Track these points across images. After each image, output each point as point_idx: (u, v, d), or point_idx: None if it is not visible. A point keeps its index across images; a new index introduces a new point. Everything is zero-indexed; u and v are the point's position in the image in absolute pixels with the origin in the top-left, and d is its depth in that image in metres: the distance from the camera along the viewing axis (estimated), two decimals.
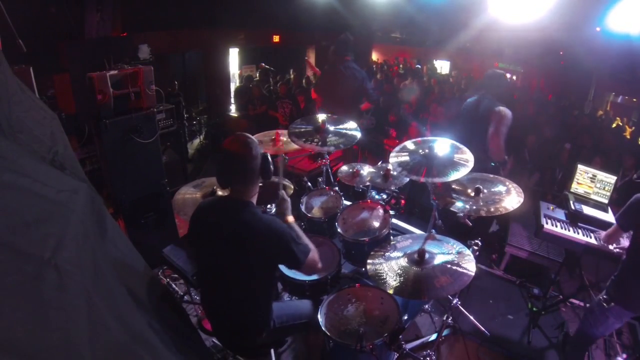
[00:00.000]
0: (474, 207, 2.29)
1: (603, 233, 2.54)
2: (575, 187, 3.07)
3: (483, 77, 3.39)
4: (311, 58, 9.82)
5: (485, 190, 2.39)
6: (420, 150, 2.36)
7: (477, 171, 2.48)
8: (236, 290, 1.74)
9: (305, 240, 1.78)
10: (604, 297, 2.19)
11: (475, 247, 2.11)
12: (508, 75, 10.90)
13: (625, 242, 2.34)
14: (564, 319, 2.99)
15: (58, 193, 1.27)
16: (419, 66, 11.97)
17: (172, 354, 1.52)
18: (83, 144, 3.71)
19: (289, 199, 1.96)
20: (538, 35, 7.00)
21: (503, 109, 3.02)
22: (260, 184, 1.79)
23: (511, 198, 2.29)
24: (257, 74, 8.20)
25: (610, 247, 2.46)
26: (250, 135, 1.70)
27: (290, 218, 1.91)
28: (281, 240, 1.64)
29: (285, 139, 2.91)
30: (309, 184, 2.98)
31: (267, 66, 7.72)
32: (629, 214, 2.12)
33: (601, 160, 4.31)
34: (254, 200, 1.74)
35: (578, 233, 2.71)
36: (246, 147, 1.64)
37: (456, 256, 1.92)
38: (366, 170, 3.01)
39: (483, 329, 2.81)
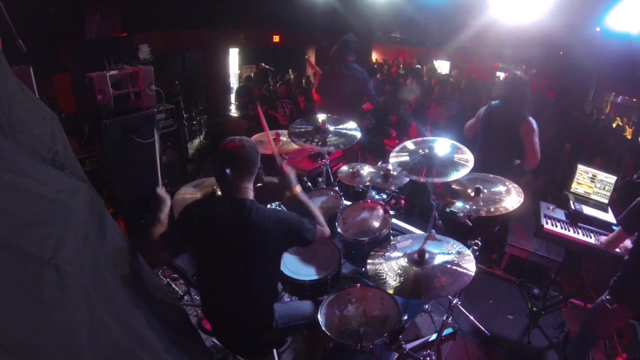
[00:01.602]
0: (474, 207, 2.29)
1: (603, 238, 2.52)
2: (575, 187, 3.07)
3: (504, 79, 3.34)
4: (311, 58, 9.82)
5: (485, 190, 2.39)
6: (420, 150, 2.36)
7: (500, 174, 2.50)
8: (238, 291, 1.74)
9: (315, 213, 1.89)
10: (607, 297, 2.18)
11: (475, 247, 2.11)
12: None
13: (627, 242, 2.33)
14: (564, 319, 2.99)
15: (58, 193, 1.26)
16: (419, 66, 11.98)
17: (171, 355, 1.52)
18: (83, 144, 3.72)
19: (289, 175, 1.98)
20: (538, 35, 7.00)
21: (532, 119, 2.96)
22: (260, 185, 1.79)
23: (511, 198, 2.29)
24: (253, 74, 8.18)
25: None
26: (245, 137, 1.74)
27: (297, 188, 1.96)
28: (292, 228, 1.72)
29: (285, 139, 2.91)
30: (309, 184, 2.98)
31: (267, 66, 7.71)
32: (634, 216, 2.10)
33: (601, 160, 4.31)
34: (252, 197, 1.75)
35: (578, 233, 2.71)
36: (244, 146, 1.67)
37: (456, 256, 1.92)
38: (366, 170, 3.01)
39: (483, 329, 2.81)
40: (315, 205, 2.77)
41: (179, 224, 1.77)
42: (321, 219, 1.89)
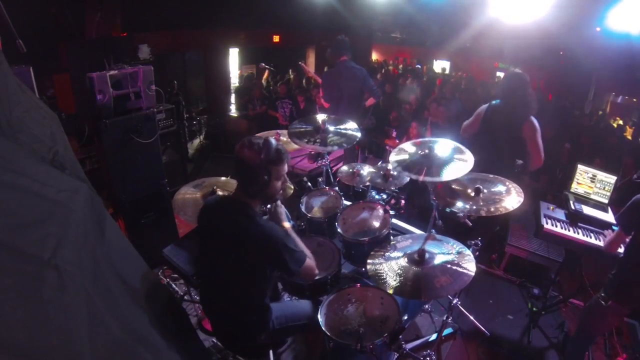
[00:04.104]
0: (474, 207, 2.29)
1: (607, 238, 2.50)
2: (575, 187, 3.07)
3: (504, 78, 3.29)
4: (311, 58, 9.82)
5: (485, 190, 2.39)
6: (420, 151, 2.36)
7: (500, 174, 2.49)
8: (233, 290, 1.75)
9: (302, 247, 1.78)
10: (602, 295, 2.20)
11: (475, 247, 2.11)
12: None
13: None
14: (564, 319, 3.00)
15: (58, 193, 1.27)
16: (419, 66, 11.98)
17: (171, 353, 1.52)
18: (83, 144, 3.71)
19: (282, 207, 1.94)
20: (538, 35, 7.00)
21: (534, 119, 2.92)
22: None
23: (511, 198, 2.29)
24: (255, 75, 8.19)
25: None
26: (259, 145, 1.60)
27: (286, 224, 1.89)
28: (275, 249, 1.62)
29: (285, 139, 2.91)
30: (309, 184, 2.98)
31: (267, 66, 7.70)
32: (629, 216, 2.12)
33: (601, 161, 4.31)
34: (256, 202, 1.73)
35: (578, 233, 2.71)
36: (246, 159, 1.60)
37: (456, 256, 1.92)
38: (366, 170, 3.01)
39: (483, 329, 2.81)
40: (315, 206, 2.79)
41: (197, 219, 1.83)
42: (310, 258, 1.79)
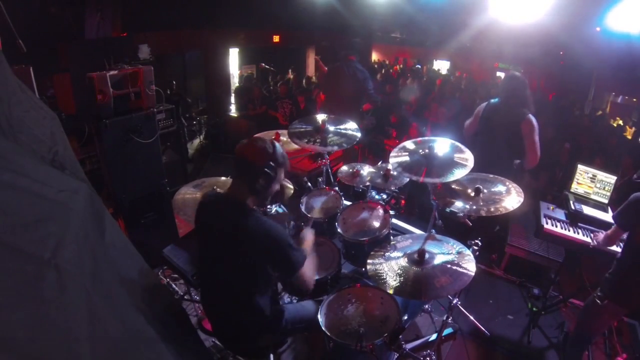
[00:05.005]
0: (474, 207, 2.29)
1: (601, 235, 2.53)
2: (575, 187, 3.07)
3: (504, 80, 3.35)
4: (311, 58, 9.81)
5: (485, 190, 2.39)
6: (420, 150, 2.36)
7: (500, 173, 2.50)
8: (233, 291, 1.74)
9: (305, 251, 1.83)
10: (598, 294, 2.20)
11: (475, 247, 2.11)
12: None
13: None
14: (564, 319, 3.00)
15: (58, 193, 1.27)
16: (419, 66, 11.97)
17: (171, 353, 1.52)
18: (83, 144, 3.71)
19: (311, 231, 2.11)
20: (538, 35, 7.00)
21: (532, 117, 2.96)
22: None
23: (511, 198, 2.29)
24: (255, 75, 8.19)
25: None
26: (268, 144, 1.68)
27: (306, 243, 2.02)
28: (279, 247, 1.65)
29: (285, 139, 2.91)
30: (309, 184, 2.98)
31: (267, 66, 7.71)
32: (627, 214, 2.12)
33: (601, 161, 4.31)
34: (253, 200, 1.73)
35: (578, 233, 2.71)
36: (253, 156, 1.66)
37: (456, 256, 1.92)
38: (366, 170, 3.01)
39: (483, 329, 2.81)
40: (315, 206, 2.79)
41: (195, 218, 1.84)
42: (310, 270, 1.82)
